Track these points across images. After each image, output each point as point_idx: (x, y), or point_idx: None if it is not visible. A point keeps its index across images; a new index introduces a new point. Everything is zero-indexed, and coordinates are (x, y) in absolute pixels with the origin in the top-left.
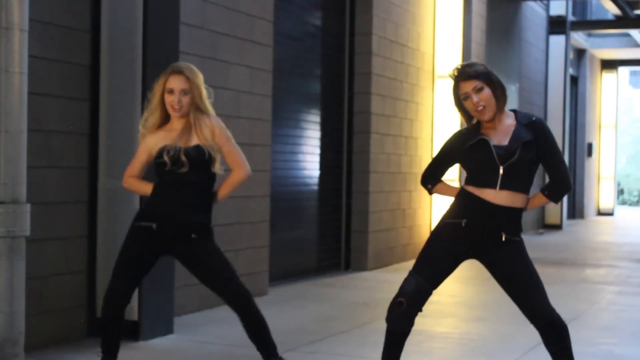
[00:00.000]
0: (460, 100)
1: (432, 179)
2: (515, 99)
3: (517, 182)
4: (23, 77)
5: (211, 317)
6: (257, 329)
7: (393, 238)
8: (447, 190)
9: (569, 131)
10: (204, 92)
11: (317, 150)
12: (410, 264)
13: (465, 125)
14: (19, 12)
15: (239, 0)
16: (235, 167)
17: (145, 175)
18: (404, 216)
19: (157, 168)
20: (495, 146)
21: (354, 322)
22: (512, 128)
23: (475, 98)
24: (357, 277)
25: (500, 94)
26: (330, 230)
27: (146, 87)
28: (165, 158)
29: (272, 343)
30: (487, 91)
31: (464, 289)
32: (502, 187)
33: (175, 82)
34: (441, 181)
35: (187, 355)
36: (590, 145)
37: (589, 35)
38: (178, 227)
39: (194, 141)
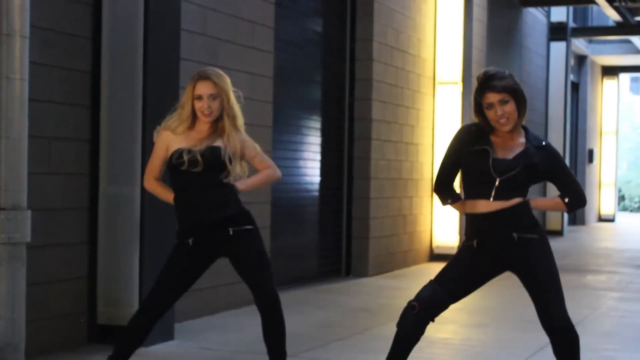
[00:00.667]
0: (481, 107)
1: (448, 188)
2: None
3: (511, 195)
4: (24, 84)
5: (212, 323)
6: (275, 335)
7: (394, 244)
8: (461, 210)
9: (570, 137)
10: (232, 96)
11: (318, 156)
12: (411, 270)
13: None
14: (20, 19)
15: (239, 6)
16: (269, 168)
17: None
18: (405, 222)
19: (172, 170)
20: (495, 159)
21: (354, 328)
22: (521, 147)
23: (499, 111)
24: (357, 283)
25: (523, 110)
26: (330, 236)
27: (147, 94)
28: (185, 157)
29: (284, 352)
30: (511, 105)
31: None
32: (496, 199)
33: (203, 88)
34: (460, 198)
35: None
36: (591, 152)
37: (590, 41)
38: (212, 228)
39: (218, 144)
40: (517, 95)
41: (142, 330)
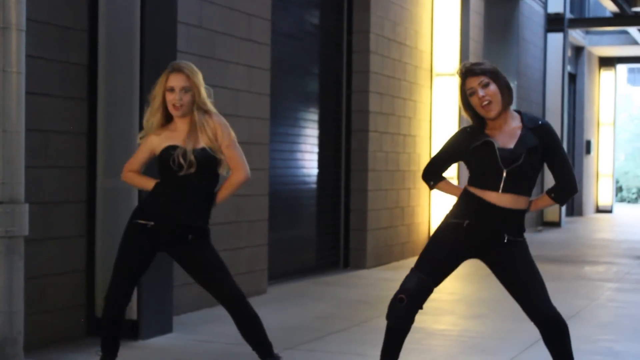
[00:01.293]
0: (467, 99)
1: (434, 175)
2: (514, 96)
3: (520, 185)
4: (21, 77)
5: (210, 315)
6: (251, 330)
7: (392, 236)
8: (449, 189)
9: (568, 129)
10: (204, 91)
11: (316, 149)
12: (409, 262)
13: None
14: (17, 12)
15: None
16: (234, 169)
17: (144, 171)
18: (403, 214)
19: (161, 168)
20: (500, 149)
21: (353, 320)
22: (518, 131)
23: (481, 92)
24: (356, 275)
25: (506, 92)
26: (329, 228)
27: (144, 86)
28: (181, 160)
29: (267, 343)
30: (493, 87)
31: (463, 286)
32: (505, 191)
33: (176, 80)
34: (444, 179)
35: (186, 353)
36: (588, 143)
37: (587, 32)
38: (176, 228)
39: (202, 143)
40: (497, 78)
41: (115, 320)
